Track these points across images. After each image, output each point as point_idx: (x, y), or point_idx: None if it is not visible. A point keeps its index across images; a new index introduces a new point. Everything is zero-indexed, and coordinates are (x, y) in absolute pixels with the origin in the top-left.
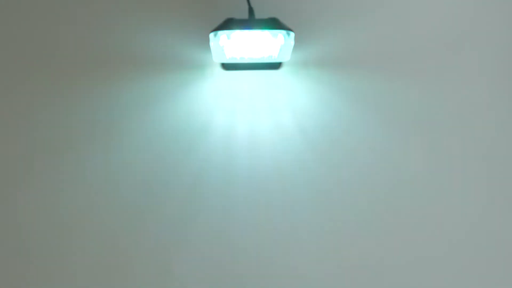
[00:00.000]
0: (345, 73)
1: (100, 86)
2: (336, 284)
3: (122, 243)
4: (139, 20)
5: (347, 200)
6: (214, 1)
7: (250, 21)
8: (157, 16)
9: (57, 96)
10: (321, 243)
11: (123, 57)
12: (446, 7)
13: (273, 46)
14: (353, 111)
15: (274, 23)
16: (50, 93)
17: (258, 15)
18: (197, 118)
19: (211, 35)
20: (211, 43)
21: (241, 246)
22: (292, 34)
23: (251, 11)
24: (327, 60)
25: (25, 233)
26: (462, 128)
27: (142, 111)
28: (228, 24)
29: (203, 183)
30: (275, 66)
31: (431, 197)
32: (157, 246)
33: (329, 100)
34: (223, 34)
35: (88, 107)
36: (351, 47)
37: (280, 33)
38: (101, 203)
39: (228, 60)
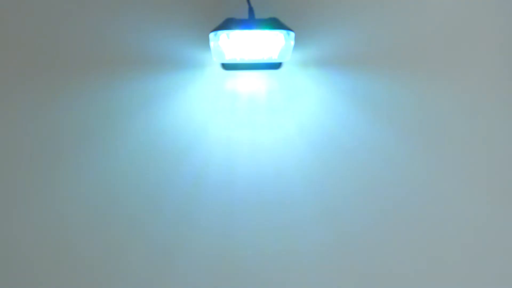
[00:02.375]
0: (345, 73)
1: (100, 86)
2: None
3: (120, 244)
4: (138, 20)
5: (348, 201)
6: (214, 1)
7: (250, 21)
8: (157, 16)
9: (55, 95)
10: (322, 243)
11: (123, 57)
12: (446, 7)
13: (273, 46)
14: (353, 111)
15: (274, 23)
16: (49, 93)
17: (258, 15)
18: (197, 118)
19: (211, 35)
20: (211, 43)
21: (240, 248)
22: (292, 34)
23: (251, 11)
24: (327, 60)
25: (23, 234)
26: (464, 127)
27: (141, 111)
28: (228, 24)
29: (203, 183)
30: (275, 66)
31: (433, 197)
32: (156, 248)
33: (329, 100)
34: (223, 34)
35: (87, 107)
36: (351, 47)
37: (280, 33)
38: (98, 204)
39: (228, 60)
